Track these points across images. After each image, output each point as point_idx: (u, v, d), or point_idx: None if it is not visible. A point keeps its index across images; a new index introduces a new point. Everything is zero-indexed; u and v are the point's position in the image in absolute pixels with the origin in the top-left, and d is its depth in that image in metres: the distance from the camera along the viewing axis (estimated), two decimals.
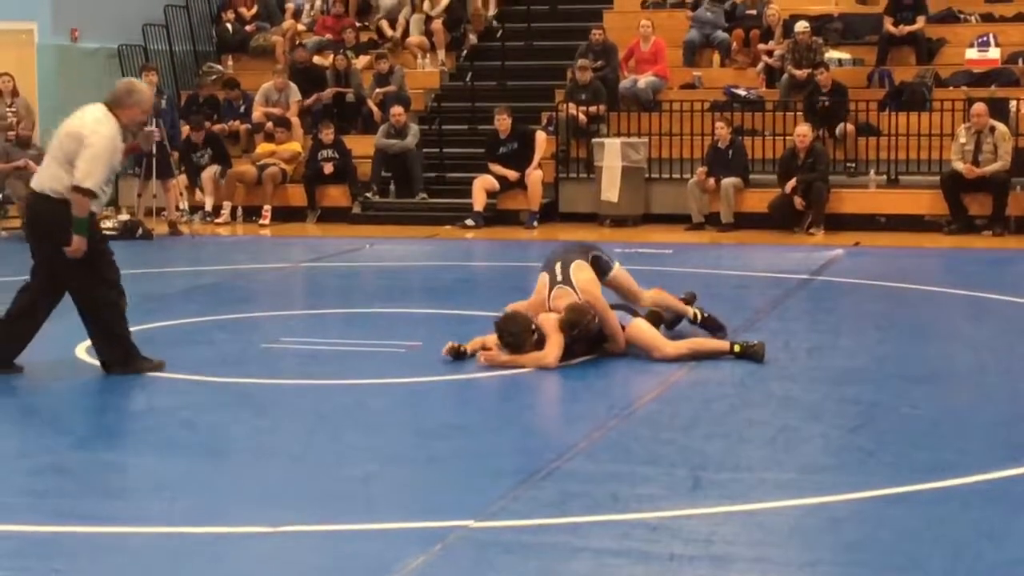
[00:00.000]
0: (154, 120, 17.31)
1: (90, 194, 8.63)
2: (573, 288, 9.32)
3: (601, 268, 9.71)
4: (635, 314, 9.69)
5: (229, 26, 22.91)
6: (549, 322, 9.19)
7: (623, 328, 9.45)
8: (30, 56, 20.61)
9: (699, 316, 10.04)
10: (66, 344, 9.69)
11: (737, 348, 9.44)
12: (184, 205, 19.08)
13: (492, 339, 9.36)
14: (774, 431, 7.59)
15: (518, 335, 9.14)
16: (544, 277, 9.53)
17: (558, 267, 9.51)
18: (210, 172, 19.33)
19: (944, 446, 7.26)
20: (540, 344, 9.19)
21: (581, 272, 9.46)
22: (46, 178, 8.85)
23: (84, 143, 8.63)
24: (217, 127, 20.25)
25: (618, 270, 9.85)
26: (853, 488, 6.39)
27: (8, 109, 19.23)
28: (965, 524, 5.94)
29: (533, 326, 9.20)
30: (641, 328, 9.47)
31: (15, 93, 19.38)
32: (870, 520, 6.03)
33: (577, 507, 6.13)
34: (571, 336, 9.16)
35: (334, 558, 5.59)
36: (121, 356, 8.97)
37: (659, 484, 6.49)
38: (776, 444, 7.34)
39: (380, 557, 5.52)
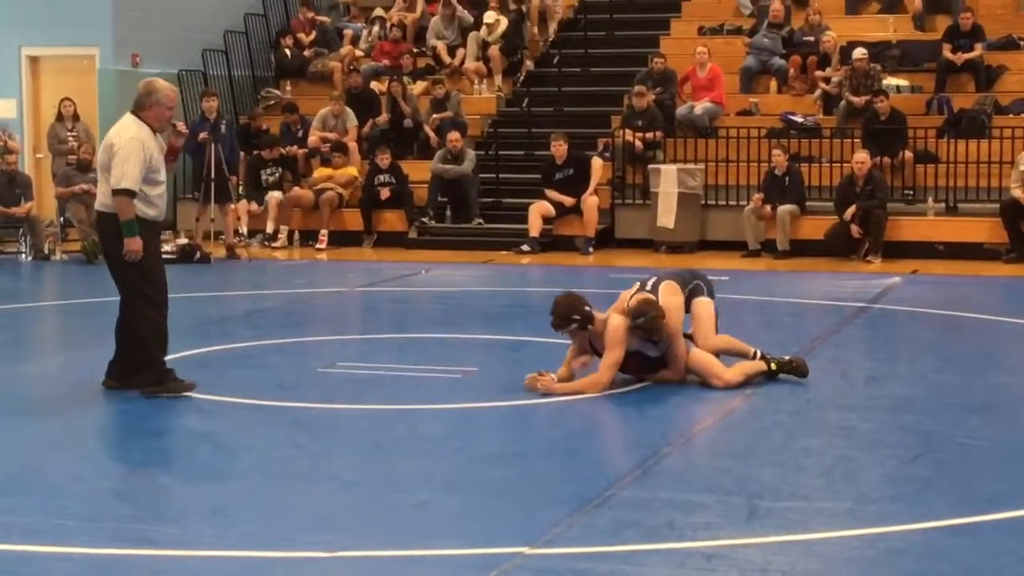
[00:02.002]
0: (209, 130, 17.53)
1: (130, 193, 8.88)
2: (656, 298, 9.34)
3: (692, 292, 9.63)
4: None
5: (288, 51, 23.06)
6: (614, 328, 9.14)
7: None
8: (91, 81, 20.83)
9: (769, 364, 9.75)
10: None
11: (773, 366, 9.51)
12: (244, 229, 19.21)
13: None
14: (831, 460, 7.55)
15: (560, 315, 9.14)
16: (634, 287, 9.53)
17: (651, 281, 9.53)
18: (276, 196, 19.45)
19: (1003, 477, 7.19)
20: (594, 349, 9.22)
21: (670, 294, 9.42)
22: (100, 196, 9.24)
23: (113, 151, 8.98)
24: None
25: (703, 302, 9.65)
26: (911, 519, 6.34)
27: (69, 133, 19.45)
28: None
29: (576, 315, 9.12)
30: (701, 355, 9.44)
31: (76, 117, 19.60)
32: (928, 552, 5.98)
33: (632, 535, 6.11)
34: (635, 324, 9.09)
35: None
36: (151, 375, 9.08)
37: (715, 512, 6.46)
38: (833, 473, 7.29)
39: None
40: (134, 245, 8.91)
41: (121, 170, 8.88)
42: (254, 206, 19.53)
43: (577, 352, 9.38)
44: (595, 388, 9.09)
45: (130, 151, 8.92)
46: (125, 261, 8.96)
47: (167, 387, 9.06)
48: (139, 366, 9.12)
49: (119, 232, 8.94)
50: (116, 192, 8.89)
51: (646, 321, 9.09)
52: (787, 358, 9.59)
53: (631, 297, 9.35)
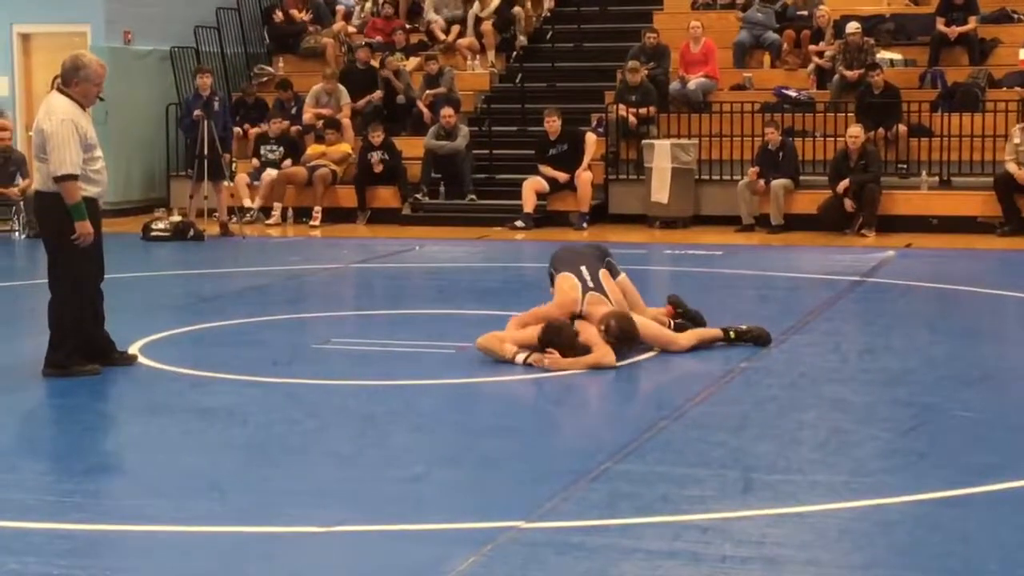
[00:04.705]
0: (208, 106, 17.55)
1: (72, 177, 8.78)
2: (607, 297, 9.45)
3: (612, 273, 9.89)
4: None
5: (280, 27, 22.98)
6: (591, 334, 9.20)
7: None
8: None
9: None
10: (118, 344, 9.74)
11: (732, 335, 9.77)
12: (247, 203, 19.19)
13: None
14: (826, 433, 7.56)
15: (568, 346, 9.16)
16: (571, 279, 9.54)
17: (585, 272, 9.62)
18: (271, 174, 19.41)
19: (998, 449, 7.20)
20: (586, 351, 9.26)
21: (613, 288, 9.66)
22: (38, 177, 9.14)
23: (45, 135, 8.86)
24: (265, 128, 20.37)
25: (624, 278, 9.99)
26: (905, 491, 6.35)
27: None
28: (1019, 527, 5.89)
29: (578, 340, 9.26)
30: (650, 326, 9.64)
31: None
32: (923, 523, 6.00)
33: (628, 508, 6.12)
34: (613, 340, 9.23)
35: (385, 558, 5.60)
36: (57, 359, 9.01)
37: (710, 486, 6.48)
38: (828, 446, 7.31)
39: (430, 558, 5.53)
40: (85, 228, 8.83)
41: (59, 156, 8.74)
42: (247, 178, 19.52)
43: (520, 324, 9.50)
44: (608, 361, 9.12)
45: (64, 135, 8.77)
46: (60, 242, 8.86)
47: (69, 371, 8.97)
48: (50, 346, 9.04)
49: (55, 211, 8.85)
50: (58, 180, 8.76)
51: (624, 336, 9.25)
52: (744, 328, 9.79)
53: (583, 300, 9.43)
